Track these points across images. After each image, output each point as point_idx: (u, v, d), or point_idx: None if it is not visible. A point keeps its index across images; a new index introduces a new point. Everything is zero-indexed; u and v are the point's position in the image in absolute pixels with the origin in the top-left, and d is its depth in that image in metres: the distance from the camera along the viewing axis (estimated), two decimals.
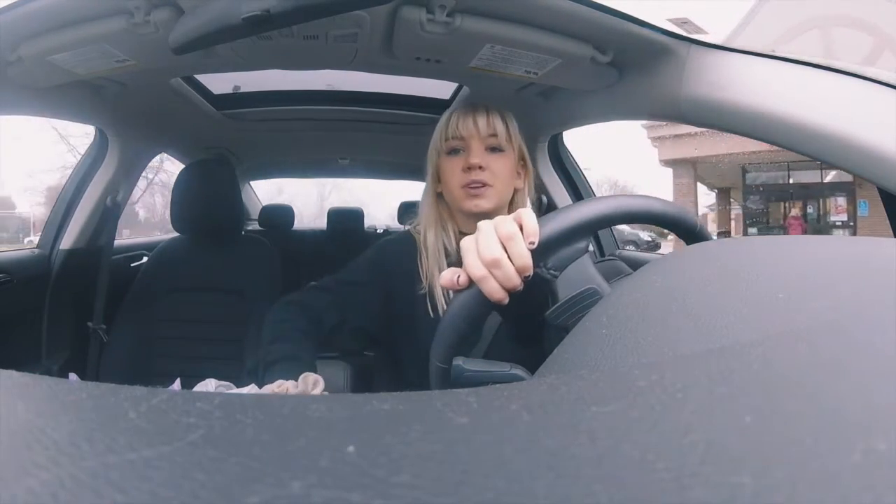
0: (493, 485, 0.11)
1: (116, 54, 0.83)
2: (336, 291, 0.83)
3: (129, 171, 1.46)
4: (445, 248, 0.84)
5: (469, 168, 0.80)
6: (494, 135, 0.82)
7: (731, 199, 11.56)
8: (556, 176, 1.48)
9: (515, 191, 0.87)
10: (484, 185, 0.80)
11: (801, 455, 0.12)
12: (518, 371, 0.46)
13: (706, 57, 0.75)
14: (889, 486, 0.10)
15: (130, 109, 1.24)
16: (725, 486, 0.11)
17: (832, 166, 0.64)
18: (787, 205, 10.00)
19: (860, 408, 0.13)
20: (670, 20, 0.76)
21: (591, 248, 0.47)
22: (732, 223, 11.34)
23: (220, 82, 1.38)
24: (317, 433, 0.14)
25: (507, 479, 0.11)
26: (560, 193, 1.47)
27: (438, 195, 0.88)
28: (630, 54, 0.82)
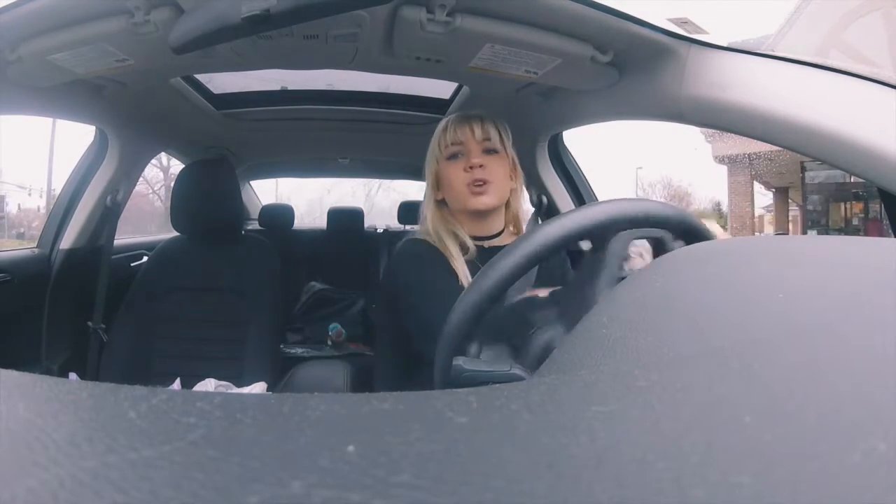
0: (493, 485, 0.11)
1: (116, 54, 0.83)
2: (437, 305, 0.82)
3: (129, 171, 1.46)
4: (462, 245, 0.88)
5: (471, 167, 0.86)
6: (489, 139, 0.89)
7: (790, 199, 10.60)
8: (556, 176, 1.47)
9: (511, 191, 0.92)
10: (486, 182, 0.86)
11: (801, 455, 0.12)
12: (518, 371, 0.46)
13: (706, 57, 0.75)
14: (889, 486, 0.10)
15: (130, 109, 1.23)
16: (725, 486, 0.11)
17: (832, 166, 0.63)
18: (847, 206, 8.93)
19: (860, 408, 0.13)
20: (670, 20, 0.76)
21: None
22: (791, 225, 10.45)
23: (222, 80, 1.38)
24: (317, 433, 0.14)
25: (507, 479, 0.11)
26: (560, 194, 1.47)
27: (439, 203, 0.92)
28: (630, 54, 0.82)
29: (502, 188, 0.88)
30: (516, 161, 0.93)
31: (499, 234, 0.92)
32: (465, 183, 0.86)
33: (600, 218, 0.47)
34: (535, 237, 0.47)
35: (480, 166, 0.86)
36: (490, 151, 0.88)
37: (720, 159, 10.22)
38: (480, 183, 0.85)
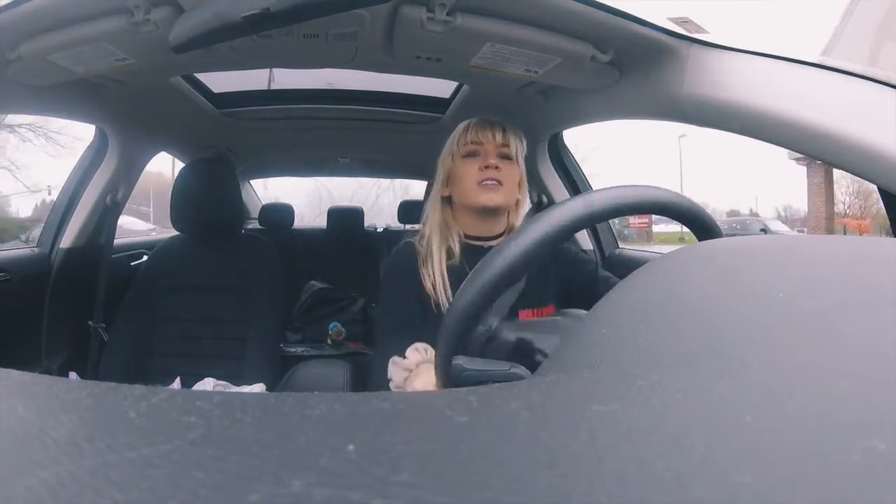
0: (493, 484, 0.11)
1: (116, 53, 0.83)
2: (404, 325, 0.87)
3: (129, 170, 1.46)
4: (449, 250, 0.90)
5: (486, 167, 0.90)
6: (507, 145, 0.92)
7: None
8: (555, 175, 1.48)
9: (516, 200, 0.95)
10: (498, 182, 0.90)
11: (801, 455, 0.12)
12: (518, 370, 0.46)
13: (707, 56, 0.75)
14: (889, 486, 0.10)
15: (130, 108, 1.24)
16: (725, 486, 0.11)
17: (833, 166, 0.63)
18: None
19: (860, 407, 0.13)
20: (671, 19, 0.76)
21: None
22: None
23: (220, 80, 1.38)
24: (317, 432, 0.14)
25: (507, 479, 0.11)
26: (560, 193, 1.47)
27: (444, 199, 0.94)
28: (631, 53, 0.82)
29: (511, 193, 0.92)
30: (524, 175, 0.96)
31: (497, 237, 0.94)
32: (477, 180, 0.89)
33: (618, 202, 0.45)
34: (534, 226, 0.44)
35: (496, 168, 0.89)
36: (505, 157, 0.92)
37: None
38: (492, 181, 0.89)
